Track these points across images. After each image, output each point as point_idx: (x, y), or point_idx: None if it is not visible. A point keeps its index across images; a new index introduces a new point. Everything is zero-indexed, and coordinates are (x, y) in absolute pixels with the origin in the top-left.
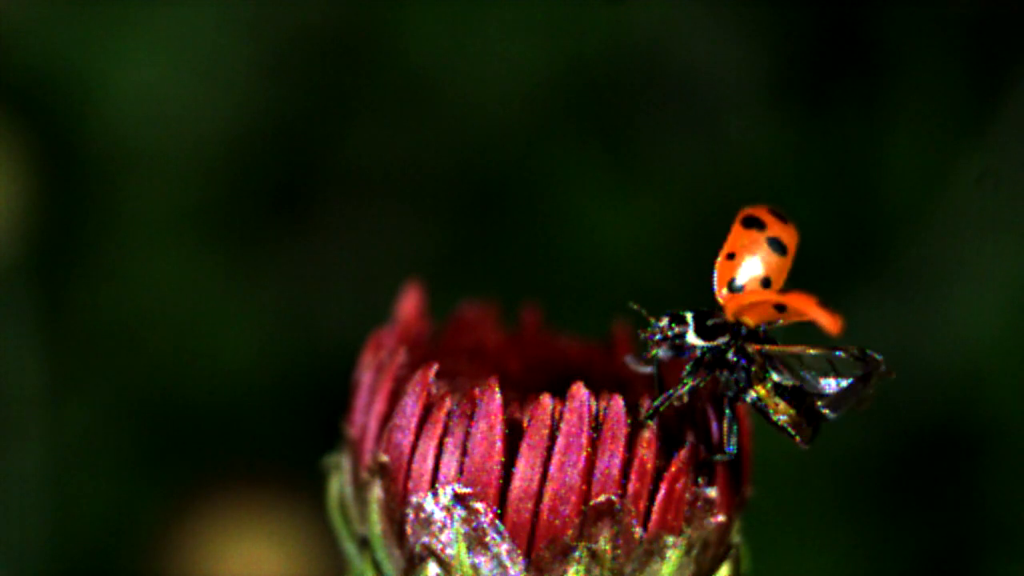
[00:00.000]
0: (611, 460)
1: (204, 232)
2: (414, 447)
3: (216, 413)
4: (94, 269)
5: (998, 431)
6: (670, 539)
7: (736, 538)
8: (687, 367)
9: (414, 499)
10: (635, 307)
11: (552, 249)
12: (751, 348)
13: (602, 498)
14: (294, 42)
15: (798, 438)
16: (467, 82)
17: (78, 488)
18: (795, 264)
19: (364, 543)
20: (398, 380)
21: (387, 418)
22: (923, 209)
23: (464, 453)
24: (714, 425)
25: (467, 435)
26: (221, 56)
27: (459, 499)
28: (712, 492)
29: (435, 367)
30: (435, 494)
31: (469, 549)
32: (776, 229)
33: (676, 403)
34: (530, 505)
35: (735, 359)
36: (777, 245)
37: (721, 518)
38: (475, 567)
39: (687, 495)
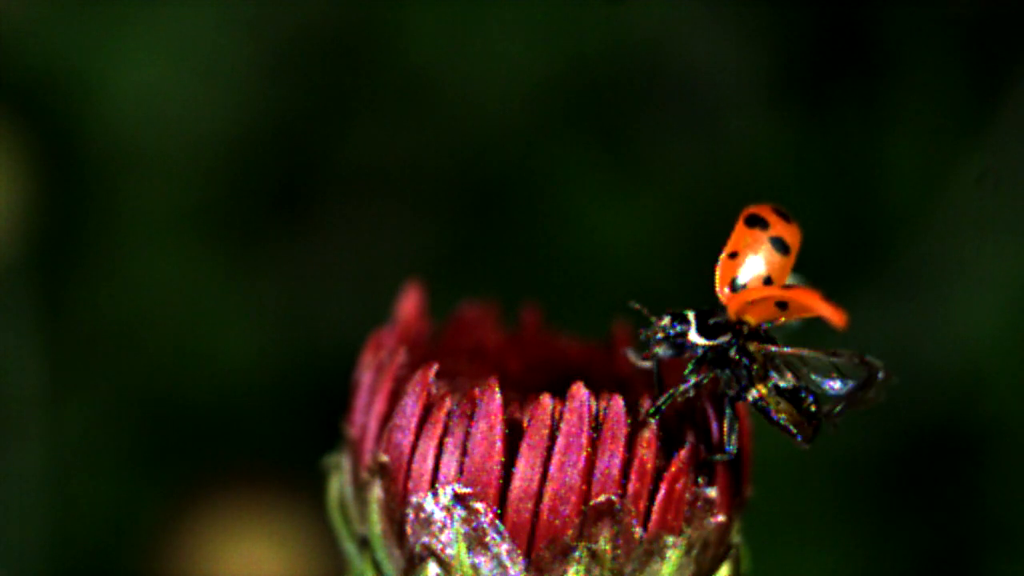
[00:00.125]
0: (611, 460)
1: (204, 232)
2: (414, 447)
3: (216, 413)
4: (94, 269)
5: (998, 431)
6: (670, 539)
7: (736, 538)
8: (689, 365)
9: (414, 499)
10: (636, 306)
11: (552, 249)
12: (753, 347)
13: (602, 498)
14: (294, 42)
15: (799, 437)
16: (467, 82)
17: (78, 488)
18: (795, 264)
19: (364, 543)
20: (398, 380)
21: (387, 418)
22: (923, 209)
23: (464, 453)
24: (714, 425)
25: (467, 435)
26: (221, 56)
27: (459, 499)
28: (712, 492)
29: (435, 367)
30: (435, 494)
31: (469, 549)
32: (779, 228)
33: (680, 399)
34: (530, 505)
35: (737, 358)
36: (780, 244)
37: (721, 518)
38: (475, 567)
39: (687, 495)
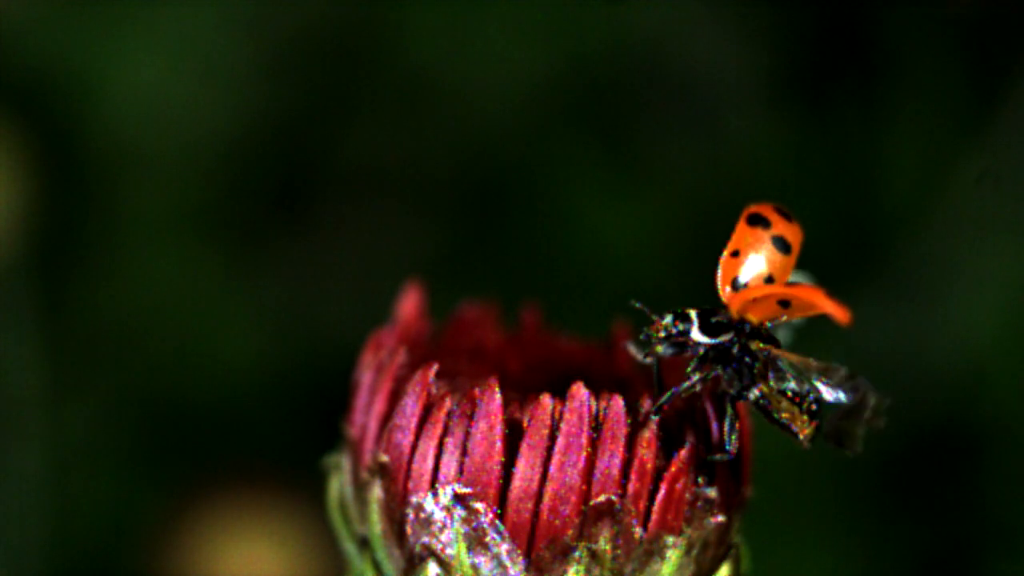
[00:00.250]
0: (611, 460)
1: (204, 232)
2: (414, 447)
3: (216, 413)
4: (94, 269)
5: (998, 431)
6: (670, 539)
7: (736, 538)
8: (691, 364)
9: (414, 499)
10: (637, 305)
11: (552, 249)
12: (755, 346)
13: (602, 498)
14: (294, 42)
15: (800, 436)
16: (467, 82)
17: (78, 488)
18: (796, 264)
19: (364, 543)
20: (398, 380)
21: (387, 418)
22: (923, 209)
23: (464, 453)
24: (714, 425)
25: (467, 435)
26: (221, 56)
27: (459, 499)
28: (712, 492)
29: (435, 367)
30: (435, 494)
31: (469, 549)
32: (781, 227)
33: (684, 394)
34: (530, 505)
35: (739, 356)
36: (781, 243)
37: (721, 518)
38: (475, 567)
39: (687, 495)
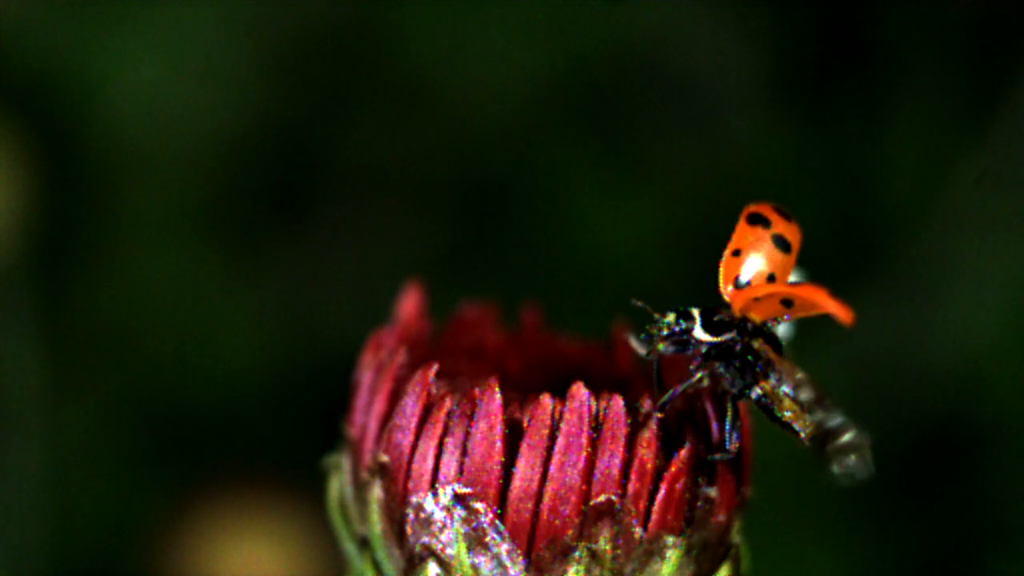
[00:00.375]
0: (611, 460)
1: (204, 232)
2: (414, 447)
3: (216, 413)
4: (94, 269)
5: (998, 431)
6: (670, 539)
7: (736, 538)
8: (694, 362)
9: (414, 499)
10: (638, 304)
11: (552, 249)
12: (757, 344)
13: (602, 498)
14: (294, 42)
15: (802, 436)
16: (467, 82)
17: (78, 488)
18: (796, 263)
19: (364, 543)
20: (398, 380)
21: (387, 418)
22: (923, 209)
23: (464, 453)
24: (714, 425)
25: (467, 435)
26: (221, 56)
27: (459, 499)
28: (712, 492)
29: (435, 367)
30: (435, 494)
31: (469, 549)
32: (780, 226)
33: (691, 390)
34: (530, 505)
35: (741, 355)
36: (781, 242)
37: (721, 518)
38: (475, 567)
39: (687, 495)
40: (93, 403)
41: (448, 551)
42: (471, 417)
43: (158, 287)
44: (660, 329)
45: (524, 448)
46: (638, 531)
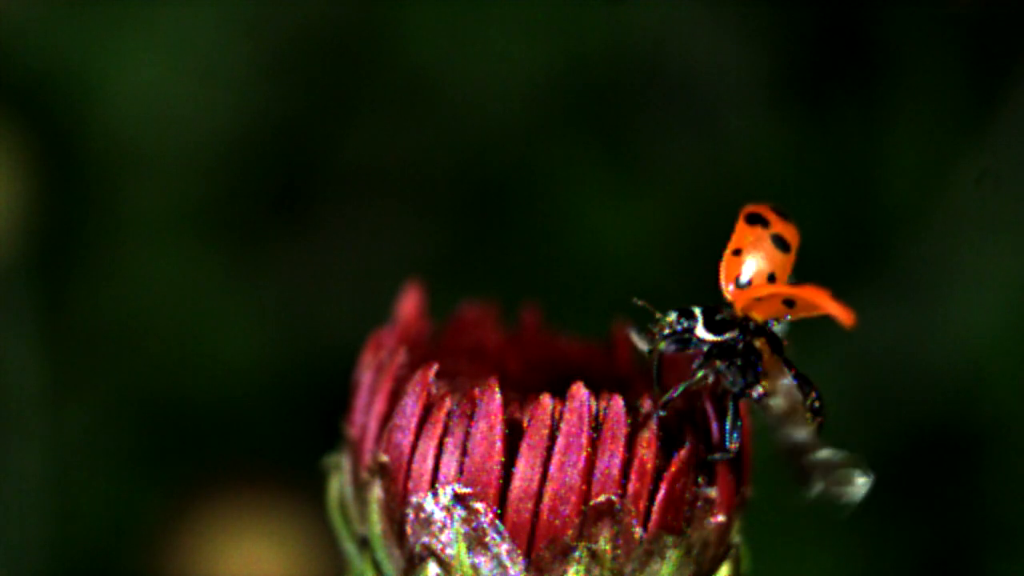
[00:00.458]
0: (611, 460)
1: (204, 232)
2: (414, 447)
3: (216, 413)
4: (94, 269)
5: (998, 431)
6: (670, 539)
7: (736, 538)
8: (696, 361)
9: (414, 499)
10: (639, 303)
11: (552, 249)
12: (759, 343)
13: (602, 498)
14: (294, 42)
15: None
16: (467, 82)
17: (78, 488)
18: (795, 263)
19: (364, 543)
20: (398, 380)
21: (387, 418)
22: (923, 209)
23: (464, 453)
24: (714, 425)
25: (467, 435)
26: (221, 56)
27: (459, 499)
28: (712, 492)
29: (435, 367)
30: (435, 494)
31: (469, 549)
32: (779, 226)
33: (693, 388)
34: (530, 505)
35: (743, 353)
36: (780, 242)
37: (721, 518)
38: (475, 567)
39: (687, 495)
40: (93, 403)
41: (448, 551)
42: (471, 417)
43: (158, 287)
44: (662, 327)
45: (524, 448)
46: (638, 531)
